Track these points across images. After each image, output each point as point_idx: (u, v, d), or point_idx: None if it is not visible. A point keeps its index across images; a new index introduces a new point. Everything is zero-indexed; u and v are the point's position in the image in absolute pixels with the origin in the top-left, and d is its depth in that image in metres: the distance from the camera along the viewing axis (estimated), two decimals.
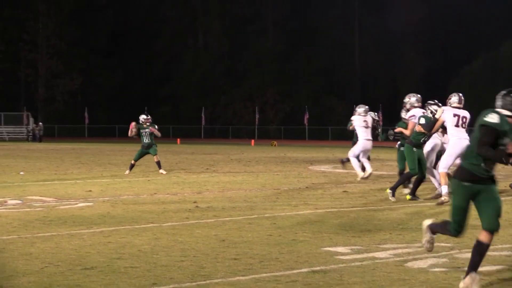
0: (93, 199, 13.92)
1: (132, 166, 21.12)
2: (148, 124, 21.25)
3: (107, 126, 77.61)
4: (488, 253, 8.18)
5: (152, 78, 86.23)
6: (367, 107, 18.43)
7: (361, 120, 18.06)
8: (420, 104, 14.74)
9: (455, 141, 13.34)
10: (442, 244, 8.72)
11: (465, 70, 68.78)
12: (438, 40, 71.75)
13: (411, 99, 14.84)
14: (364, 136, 17.95)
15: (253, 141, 57.90)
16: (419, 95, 14.95)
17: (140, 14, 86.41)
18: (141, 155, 21.11)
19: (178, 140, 57.58)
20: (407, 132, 14.65)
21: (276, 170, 23.25)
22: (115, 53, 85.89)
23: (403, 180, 14.01)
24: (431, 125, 13.76)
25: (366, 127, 18.01)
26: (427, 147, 14.26)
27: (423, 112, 14.31)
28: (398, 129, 15.29)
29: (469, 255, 8.05)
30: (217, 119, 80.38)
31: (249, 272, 7.15)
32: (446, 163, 13.40)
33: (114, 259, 7.80)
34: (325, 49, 79.23)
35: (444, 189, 13.10)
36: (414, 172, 13.83)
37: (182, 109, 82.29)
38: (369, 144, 18.05)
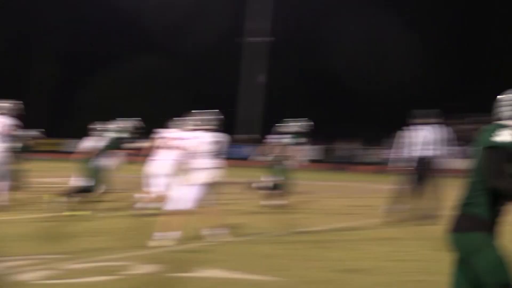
0: None
1: None
2: None
3: None
4: (99, 264, 8.31)
5: None
6: None
7: None
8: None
9: None
10: (51, 256, 8.77)
11: (97, 81, 65.95)
12: (70, 47, 68.04)
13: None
14: None
15: None
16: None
17: None
18: None
19: None
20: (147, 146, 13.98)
21: None
22: None
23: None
24: None
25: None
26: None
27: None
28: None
29: (82, 266, 8.24)
30: None
31: None
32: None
33: None
34: None
35: None
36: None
37: None
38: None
